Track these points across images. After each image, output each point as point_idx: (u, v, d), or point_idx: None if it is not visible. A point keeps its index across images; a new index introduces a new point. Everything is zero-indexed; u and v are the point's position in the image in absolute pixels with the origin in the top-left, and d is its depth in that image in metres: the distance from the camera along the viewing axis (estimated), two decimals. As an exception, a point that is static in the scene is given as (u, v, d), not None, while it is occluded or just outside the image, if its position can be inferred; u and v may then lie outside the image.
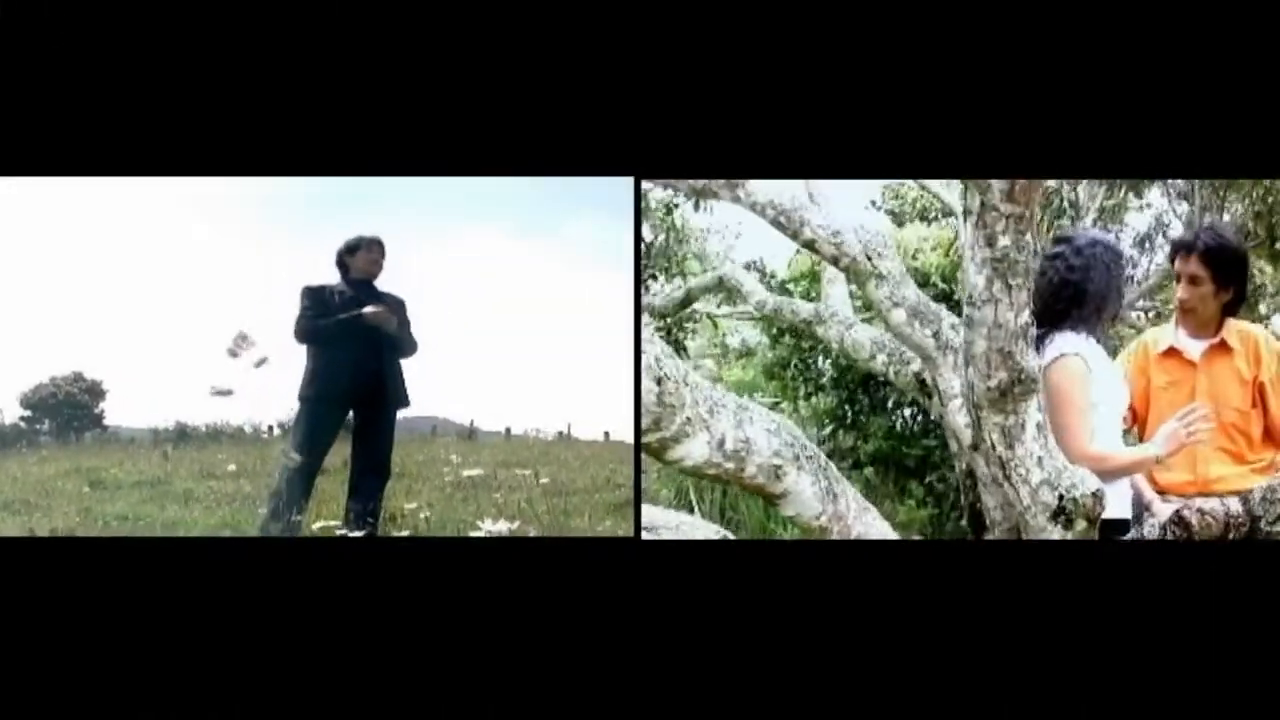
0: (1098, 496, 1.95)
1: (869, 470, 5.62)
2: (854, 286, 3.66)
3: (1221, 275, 2.33)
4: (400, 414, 3.58)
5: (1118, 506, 2.13)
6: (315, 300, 3.37)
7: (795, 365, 5.95)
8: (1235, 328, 2.41)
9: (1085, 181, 5.44)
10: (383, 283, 3.49)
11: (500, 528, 2.21)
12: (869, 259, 2.40)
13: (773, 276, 6.13)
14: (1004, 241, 1.81)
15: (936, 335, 2.71)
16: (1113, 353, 2.58)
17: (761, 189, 2.67)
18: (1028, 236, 1.82)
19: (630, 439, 1.87)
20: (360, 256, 3.46)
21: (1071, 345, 2.11)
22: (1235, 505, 2.20)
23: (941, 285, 5.23)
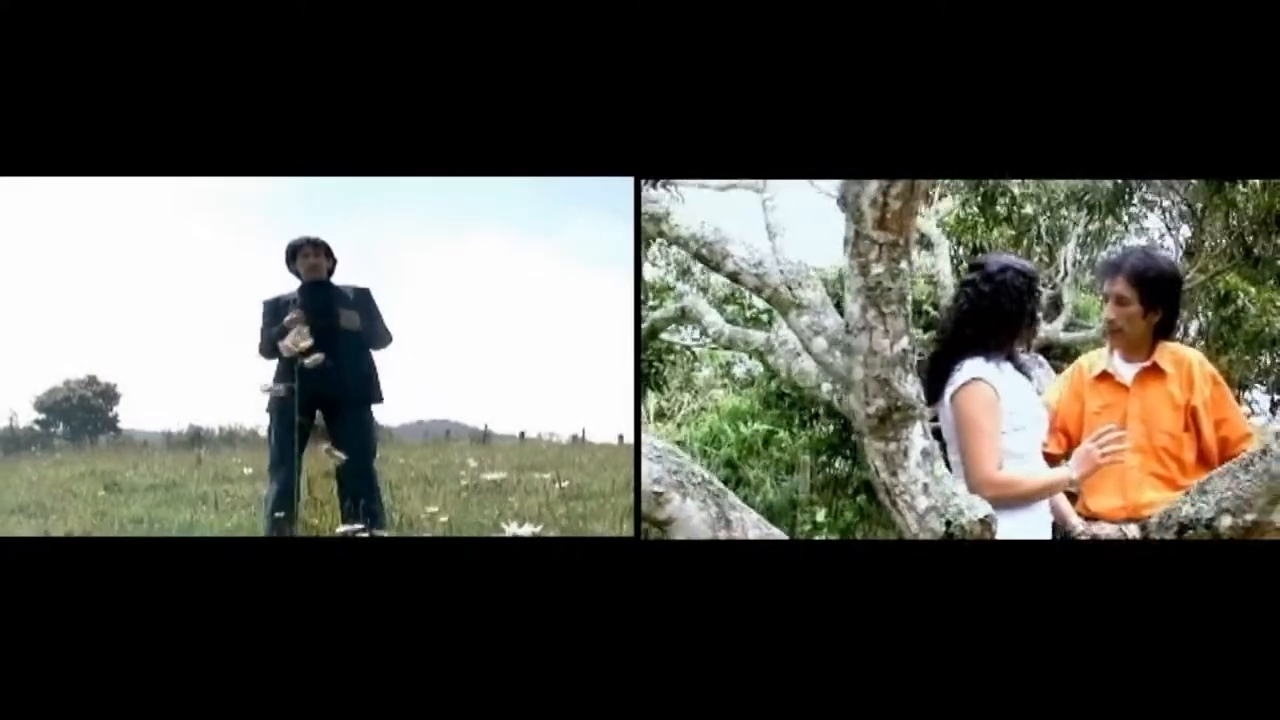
0: (985, 523, 1.95)
1: (862, 498, 5.65)
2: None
3: (1149, 296, 2.32)
4: (415, 417, 3.63)
5: (1036, 531, 2.14)
6: (271, 313, 3.41)
7: (790, 393, 6.01)
8: (1170, 351, 2.39)
9: (1069, 209, 5.47)
10: (376, 280, 3.53)
11: (525, 531, 2.22)
12: (789, 289, 2.42)
13: (750, 306, 6.18)
14: (877, 270, 1.85)
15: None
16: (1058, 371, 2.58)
17: (684, 223, 2.69)
18: (902, 264, 1.87)
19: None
20: (300, 261, 3.49)
21: (979, 371, 2.11)
22: (1133, 530, 2.16)
23: (934, 312, 5.29)
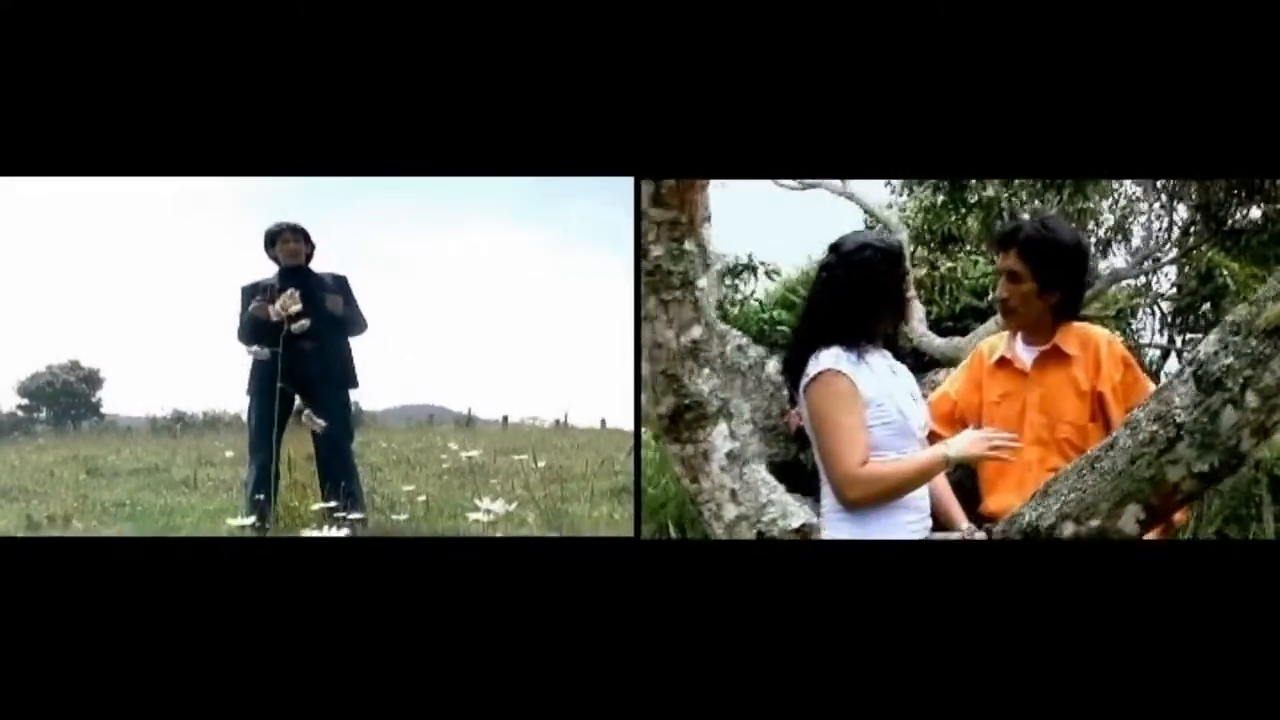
0: (803, 532, 1.82)
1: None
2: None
3: (1044, 273, 2.07)
4: (398, 402, 3.67)
5: (916, 534, 1.96)
6: (249, 298, 3.43)
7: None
8: (1076, 332, 2.12)
9: (1023, 190, 5.41)
10: (363, 268, 3.55)
11: (498, 506, 2.21)
12: None
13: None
14: (656, 252, 1.68)
15: (721, 357, 2.35)
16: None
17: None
18: (687, 244, 1.68)
19: (627, 425, 1.80)
20: (279, 247, 3.51)
21: (832, 362, 1.88)
22: (979, 535, 1.96)
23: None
